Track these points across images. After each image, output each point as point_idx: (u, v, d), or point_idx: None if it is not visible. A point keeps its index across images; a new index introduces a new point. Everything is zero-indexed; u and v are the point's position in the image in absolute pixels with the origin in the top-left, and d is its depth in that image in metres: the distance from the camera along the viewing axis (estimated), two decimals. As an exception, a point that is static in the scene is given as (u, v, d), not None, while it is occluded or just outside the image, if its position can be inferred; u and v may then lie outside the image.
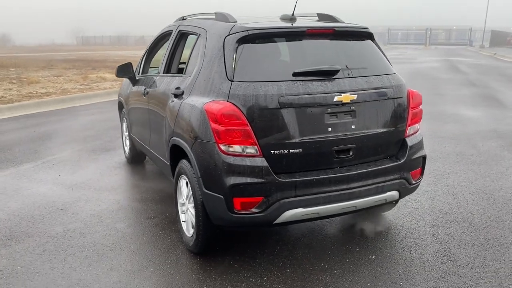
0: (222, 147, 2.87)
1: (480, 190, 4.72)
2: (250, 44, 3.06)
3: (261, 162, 2.87)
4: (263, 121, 2.86)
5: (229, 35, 3.12)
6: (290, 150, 2.93)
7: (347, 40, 3.40)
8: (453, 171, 5.38)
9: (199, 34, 3.57)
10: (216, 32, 3.30)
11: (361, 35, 3.45)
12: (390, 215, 4.11)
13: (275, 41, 3.17)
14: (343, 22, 3.60)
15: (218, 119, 2.84)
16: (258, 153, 2.88)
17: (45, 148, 6.68)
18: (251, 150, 2.87)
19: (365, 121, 3.14)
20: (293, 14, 3.48)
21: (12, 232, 3.85)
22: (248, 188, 2.86)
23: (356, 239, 3.63)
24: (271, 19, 3.57)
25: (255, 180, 2.86)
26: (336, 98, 2.98)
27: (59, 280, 3.10)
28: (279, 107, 2.87)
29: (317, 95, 2.95)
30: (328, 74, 3.04)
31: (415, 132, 3.48)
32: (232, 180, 2.85)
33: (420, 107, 3.53)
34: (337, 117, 3.04)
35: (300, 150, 2.95)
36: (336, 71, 3.06)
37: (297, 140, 2.93)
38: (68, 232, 3.84)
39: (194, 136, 3.07)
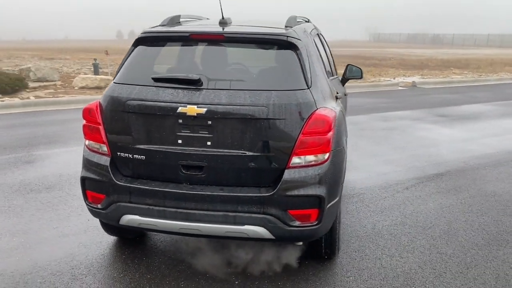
0: (86, 141, 3.10)
1: (525, 276, 3.22)
2: (140, 47, 3.11)
3: (105, 161, 2.97)
4: (113, 122, 2.93)
5: None
6: (134, 156, 2.91)
7: (244, 47, 3.00)
8: (534, 241, 3.75)
9: None
10: None
11: (270, 43, 2.96)
12: (337, 263, 3.35)
13: (161, 45, 3.10)
14: (271, 28, 3.11)
15: (82, 114, 3.08)
16: (107, 152, 2.98)
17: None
18: (101, 148, 3.00)
19: (225, 139, 2.76)
20: (222, 18, 3.26)
21: (54, 184, 5.00)
22: (93, 183, 3.02)
23: (252, 272, 3.19)
24: (205, 23, 3.44)
25: (97, 177, 2.98)
26: (180, 109, 2.76)
27: (18, 225, 3.97)
28: (125, 110, 2.88)
29: (163, 103, 2.80)
30: (187, 83, 2.82)
31: (310, 165, 2.78)
32: (83, 173, 3.07)
33: (328, 135, 2.79)
34: (190, 130, 2.80)
35: (144, 157, 2.89)
36: (195, 81, 2.80)
37: (141, 147, 2.88)
38: (77, 195, 4.71)
39: None
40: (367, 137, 7.58)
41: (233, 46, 3.02)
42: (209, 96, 2.76)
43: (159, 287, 3.04)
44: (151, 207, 2.86)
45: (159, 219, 2.86)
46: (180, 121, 2.79)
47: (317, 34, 4.08)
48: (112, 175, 2.93)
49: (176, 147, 2.82)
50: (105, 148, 2.98)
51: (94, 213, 3.08)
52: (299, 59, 2.93)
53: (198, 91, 2.79)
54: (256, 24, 3.23)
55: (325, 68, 3.56)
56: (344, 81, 5.12)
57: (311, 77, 2.92)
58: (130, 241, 3.69)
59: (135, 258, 3.42)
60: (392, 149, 6.76)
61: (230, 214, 2.76)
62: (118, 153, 2.94)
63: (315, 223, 2.82)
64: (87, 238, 3.72)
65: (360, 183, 5.19)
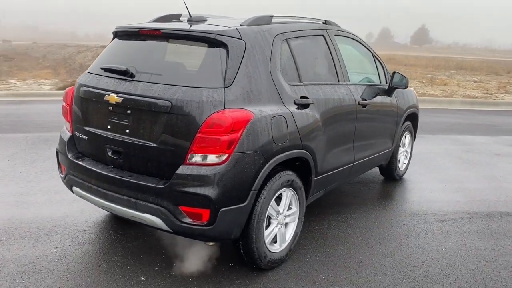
0: (65, 121, 3.61)
1: None
2: (115, 40, 3.46)
3: (66, 138, 3.41)
4: (75, 105, 3.36)
5: None
6: (81, 135, 3.28)
7: (180, 44, 3.08)
8: None
9: None
10: None
11: (201, 40, 2.97)
12: (266, 275, 3.17)
13: (126, 39, 3.37)
14: (212, 25, 3.11)
15: (63, 97, 3.58)
16: (70, 130, 3.43)
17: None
18: (68, 126, 3.46)
19: (138, 129, 2.92)
20: (190, 16, 3.38)
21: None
22: (59, 155, 3.51)
23: (181, 266, 3.27)
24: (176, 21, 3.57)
25: (61, 151, 3.46)
26: (105, 97, 3.02)
27: (57, 187, 4.76)
28: (79, 95, 3.28)
29: (96, 90, 3.10)
30: (117, 73, 3.06)
31: (206, 164, 2.73)
32: (57, 146, 3.58)
33: (227, 136, 2.69)
34: (117, 118, 3.04)
35: (86, 137, 3.24)
36: (123, 72, 3.01)
37: (85, 128, 3.24)
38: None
39: None
40: (463, 160, 6.57)
41: (170, 42, 3.13)
42: (129, 86, 2.96)
43: (95, 259, 3.34)
44: (84, 182, 3.20)
45: (89, 194, 3.19)
46: (110, 108, 3.05)
47: (322, 36, 3.82)
48: (66, 150, 3.36)
49: (105, 132, 3.10)
50: (69, 127, 3.44)
51: (62, 181, 3.57)
52: (226, 58, 2.89)
53: (124, 81, 3.02)
54: (212, 23, 3.26)
55: (298, 72, 3.40)
56: (390, 90, 4.64)
57: (235, 77, 2.86)
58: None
59: (104, 230, 3.82)
60: (480, 178, 5.74)
61: (132, 200, 2.92)
62: (75, 132, 3.36)
63: (205, 224, 2.77)
64: (90, 206, 4.25)
65: (389, 207, 4.64)
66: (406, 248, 3.69)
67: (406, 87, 4.55)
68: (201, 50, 3.00)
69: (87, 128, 3.23)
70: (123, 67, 3.03)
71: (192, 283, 3.05)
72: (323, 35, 3.85)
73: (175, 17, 3.68)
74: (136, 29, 3.24)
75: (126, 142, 2.98)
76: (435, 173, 5.84)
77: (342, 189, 5.04)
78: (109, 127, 3.08)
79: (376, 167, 5.21)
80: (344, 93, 3.85)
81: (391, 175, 5.34)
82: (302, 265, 3.33)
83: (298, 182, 3.31)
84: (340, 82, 3.88)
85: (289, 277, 3.16)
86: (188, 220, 2.79)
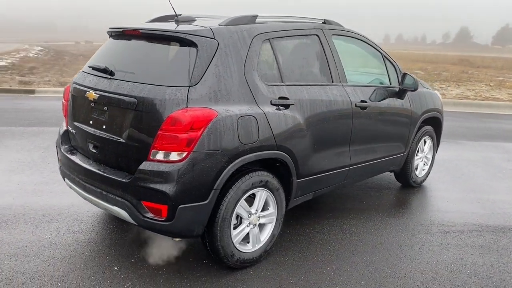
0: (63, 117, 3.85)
1: None
2: (109, 39, 3.63)
3: (61, 132, 3.65)
4: (70, 102, 3.58)
5: None
6: (72, 130, 3.49)
7: (153, 43, 3.18)
8: None
9: None
10: None
11: (174, 40, 3.04)
12: (235, 274, 3.18)
13: (116, 38, 3.52)
14: (188, 25, 3.20)
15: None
16: (65, 124, 3.66)
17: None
18: (64, 121, 3.69)
19: (112, 124, 3.06)
20: (176, 15, 3.46)
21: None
22: (57, 149, 3.75)
23: (133, 258, 3.37)
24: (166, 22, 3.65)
25: (57, 144, 3.70)
26: (86, 94, 3.18)
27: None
28: (71, 92, 3.49)
29: (82, 87, 3.28)
30: (98, 71, 3.22)
31: (166, 161, 2.79)
32: (56, 140, 3.83)
33: (185, 134, 2.74)
34: (97, 114, 3.20)
35: (74, 131, 3.44)
36: (102, 70, 3.16)
37: (74, 123, 3.44)
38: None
39: None
40: (499, 169, 6.11)
41: (149, 41, 3.23)
42: (106, 84, 3.10)
43: (81, 247, 3.53)
44: (71, 174, 3.41)
45: (74, 185, 3.39)
46: (92, 104, 3.22)
47: (316, 35, 3.74)
48: (60, 143, 3.59)
49: (87, 127, 3.28)
50: (65, 122, 3.66)
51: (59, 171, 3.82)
52: (195, 57, 2.94)
53: (103, 79, 3.17)
54: (196, 23, 3.32)
55: (280, 72, 3.38)
56: (401, 92, 4.46)
57: (202, 76, 2.90)
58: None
59: (100, 221, 4.02)
60: (511, 189, 5.31)
61: (104, 192, 3.06)
62: (69, 126, 3.58)
63: (164, 219, 2.84)
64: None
65: (393, 214, 4.44)
66: (393, 258, 3.52)
67: (415, 89, 4.34)
68: (174, 49, 3.07)
69: (75, 123, 3.43)
70: (102, 65, 3.18)
71: (160, 276, 3.13)
72: (317, 35, 3.77)
73: (171, 18, 3.79)
74: (121, 29, 3.38)
75: (102, 137, 3.13)
76: (460, 182, 5.49)
77: (351, 194, 4.90)
78: (91, 122, 3.25)
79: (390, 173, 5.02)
80: (337, 94, 3.74)
81: (406, 182, 5.10)
82: (276, 267, 3.30)
83: (275, 183, 3.28)
84: (334, 83, 3.77)
85: (257, 278, 3.15)
86: (149, 215, 2.88)
